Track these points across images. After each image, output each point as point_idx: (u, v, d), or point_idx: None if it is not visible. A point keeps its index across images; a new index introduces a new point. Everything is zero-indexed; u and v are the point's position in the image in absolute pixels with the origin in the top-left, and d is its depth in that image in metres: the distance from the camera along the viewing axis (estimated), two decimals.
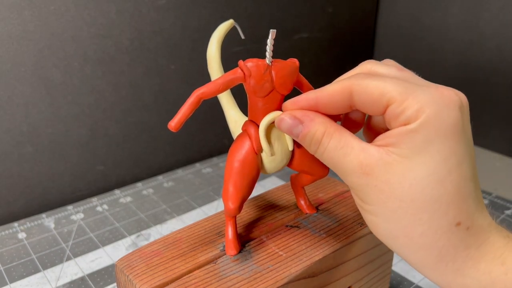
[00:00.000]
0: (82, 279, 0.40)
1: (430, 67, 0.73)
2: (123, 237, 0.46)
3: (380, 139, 0.21)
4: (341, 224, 0.30)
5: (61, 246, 0.44)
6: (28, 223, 0.48)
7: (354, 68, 0.24)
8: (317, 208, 0.32)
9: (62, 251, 0.43)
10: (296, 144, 0.27)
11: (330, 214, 0.32)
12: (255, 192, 0.29)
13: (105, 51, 0.51)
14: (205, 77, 0.30)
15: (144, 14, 0.53)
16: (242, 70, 0.24)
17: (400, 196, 0.20)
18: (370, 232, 0.30)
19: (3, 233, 0.46)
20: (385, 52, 0.81)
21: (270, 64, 0.24)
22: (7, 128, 0.48)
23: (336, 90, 0.22)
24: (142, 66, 0.55)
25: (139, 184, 0.56)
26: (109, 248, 0.44)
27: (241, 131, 0.27)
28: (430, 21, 0.71)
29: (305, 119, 0.23)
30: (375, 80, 0.21)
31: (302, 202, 0.32)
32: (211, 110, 0.59)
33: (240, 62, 0.24)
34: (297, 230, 0.30)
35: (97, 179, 0.56)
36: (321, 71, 0.76)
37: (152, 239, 0.45)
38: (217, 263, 0.27)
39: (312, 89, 0.27)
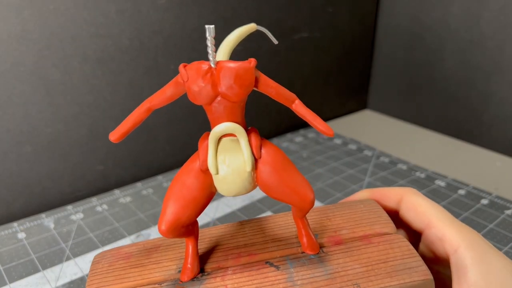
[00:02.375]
0: (81, 279, 0.40)
1: (430, 67, 0.73)
2: (123, 237, 0.46)
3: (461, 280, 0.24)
4: (333, 279, 0.23)
5: (61, 246, 0.44)
6: (27, 223, 0.48)
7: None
8: (321, 249, 0.25)
9: (61, 251, 0.43)
10: (258, 163, 0.22)
11: (331, 261, 0.24)
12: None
13: (104, 51, 0.51)
14: None
15: (144, 14, 0.53)
16: (181, 76, 0.21)
17: None
18: None
19: (2, 233, 0.46)
20: (385, 52, 0.81)
21: (214, 65, 0.20)
22: (7, 128, 0.48)
23: (390, 191, 0.29)
24: (142, 66, 0.55)
25: (138, 184, 0.56)
26: (108, 248, 0.44)
27: None
28: (430, 21, 0.71)
29: None
30: (423, 200, 0.27)
31: (305, 240, 0.25)
32: None
33: (181, 66, 0.20)
34: (274, 271, 0.24)
35: (97, 179, 0.56)
36: (321, 71, 0.76)
37: None
38: (162, 285, 0.24)
39: (285, 93, 0.22)
